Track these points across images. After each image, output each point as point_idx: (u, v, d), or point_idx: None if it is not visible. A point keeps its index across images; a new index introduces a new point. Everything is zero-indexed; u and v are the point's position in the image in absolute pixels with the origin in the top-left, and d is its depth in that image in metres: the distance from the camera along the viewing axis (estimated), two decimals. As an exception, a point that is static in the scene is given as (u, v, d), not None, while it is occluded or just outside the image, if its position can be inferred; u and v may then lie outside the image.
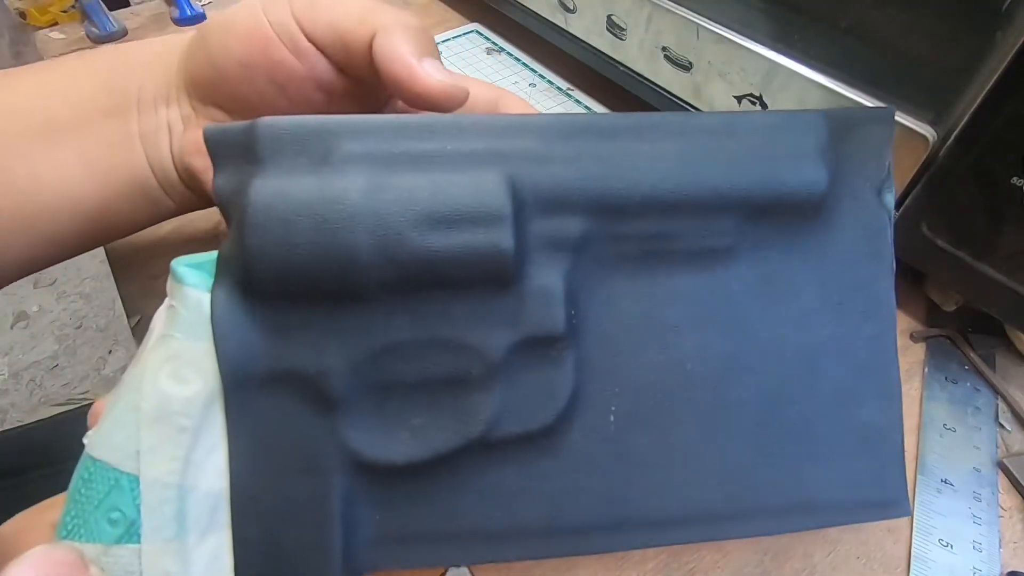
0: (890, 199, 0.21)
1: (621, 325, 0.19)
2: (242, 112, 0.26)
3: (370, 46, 0.22)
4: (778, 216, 0.19)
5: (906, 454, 0.26)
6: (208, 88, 0.25)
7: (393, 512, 0.18)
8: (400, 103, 0.28)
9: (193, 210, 0.29)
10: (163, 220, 0.29)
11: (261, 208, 0.16)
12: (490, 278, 0.17)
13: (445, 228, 0.17)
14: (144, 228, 0.29)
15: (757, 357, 0.19)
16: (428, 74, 0.22)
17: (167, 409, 0.16)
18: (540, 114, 0.20)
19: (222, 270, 0.17)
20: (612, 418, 0.19)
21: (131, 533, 0.16)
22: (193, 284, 0.17)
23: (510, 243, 0.17)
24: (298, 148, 0.17)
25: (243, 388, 0.17)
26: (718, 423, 0.19)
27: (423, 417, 0.18)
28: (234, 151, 0.17)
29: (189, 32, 0.26)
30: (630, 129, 0.19)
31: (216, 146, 0.18)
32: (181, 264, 0.17)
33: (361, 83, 0.25)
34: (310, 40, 0.24)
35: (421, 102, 0.22)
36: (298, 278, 0.16)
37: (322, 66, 0.24)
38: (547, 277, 0.18)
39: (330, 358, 0.17)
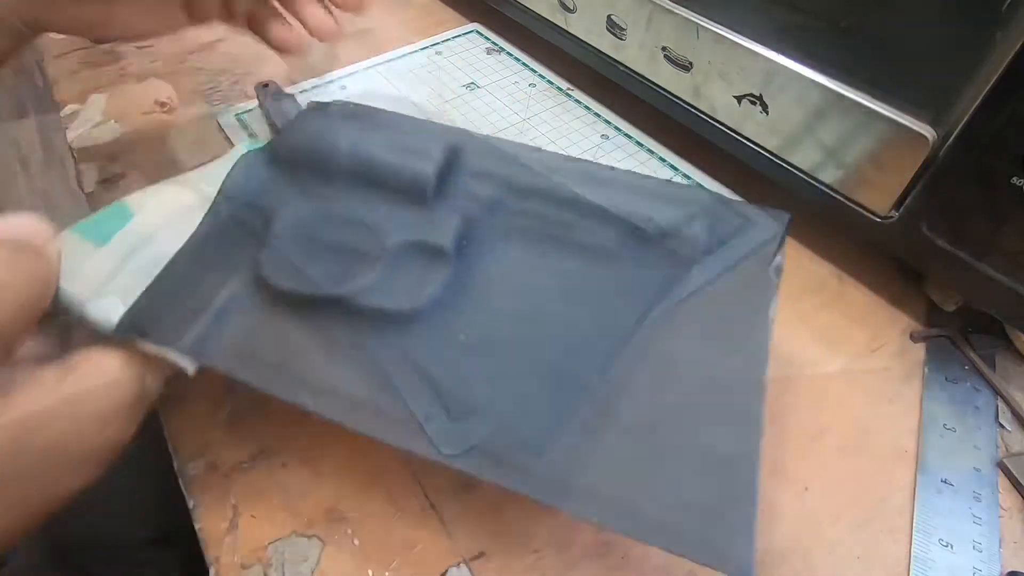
0: (778, 270, 0.23)
1: (501, 276, 0.23)
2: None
3: None
4: (660, 247, 0.23)
5: (906, 454, 0.27)
6: None
7: (260, 330, 0.22)
8: None
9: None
10: None
11: (299, 116, 0.28)
12: (413, 192, 0.25)
13: (397, 152, 0.25)
14: None
15: (613, 344, 0.21)
16: None
17: (187, 178, 0.25)
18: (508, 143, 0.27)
19: (265, 147, 0.27)
20: (463, 336, 0.22)
21: (95, 234, 0.21)
22: (241, 148, 0.27)
23: (430, 172, 0.25)
24: (345, 111, 0.28)
25: (229, 200, 0.24)
26: (557, 383, 0.21)
27: (320, 267, 0.23)
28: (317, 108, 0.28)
29: None
30: (556, 164, 0.26)
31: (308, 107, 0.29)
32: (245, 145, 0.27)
33: None
34: None
35: None
36: (301, 151, 0.26)
37: None
38: (453, 210, 0.25)
39: (287, 205, 0.24)
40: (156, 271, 0.22)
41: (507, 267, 0.23)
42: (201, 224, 0.23)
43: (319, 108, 0.28)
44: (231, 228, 0.24)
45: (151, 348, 0.20)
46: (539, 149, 0.27)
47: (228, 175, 0.25)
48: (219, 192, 0.24)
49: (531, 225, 0.24)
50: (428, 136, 0.26)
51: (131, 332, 0.20)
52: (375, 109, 0.28)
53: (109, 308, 0.20)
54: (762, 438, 0.19)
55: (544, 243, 0.24)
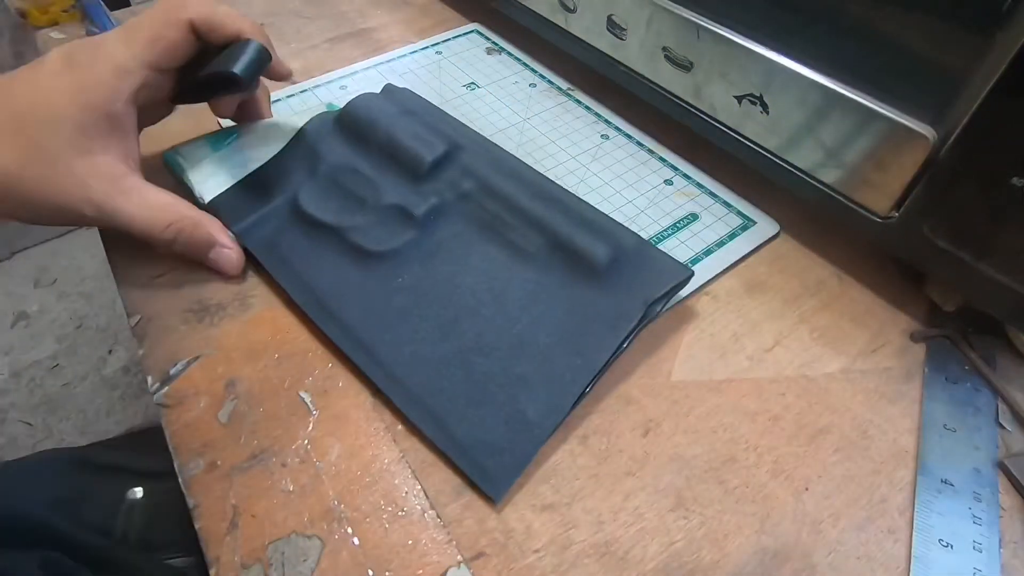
0: (652, 309, 0.28)
1: (451, 246, 0.31)
2: None
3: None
4: (570, 258, 0.30)
5: (906, 454, 0.27)
6: None
7: (283, 234, 0.32)
8: None
9: None
10: None
11: (364, 95, 0.36)
12: (414, 169, 0.33)
13: (412, 138, 0.34)
14: None
15: (498, 314, 0.29)
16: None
17: (286, 120, 0.36)
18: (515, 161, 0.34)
19: (336, 111, 0.36)
20: (400, 279, 0.30)
21: (213, 144, 0.35)
22: (324, 108, 0.37)
23: (428, 160, 0.33)
24: (395, 94, 0.38)
25: (300, 142, 0.35)
26: (446, 332, 0.28)
27: (333, 203, 0.32)
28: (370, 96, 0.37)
29: None
30: (534, 183, 0.33)
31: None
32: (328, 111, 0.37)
33: None
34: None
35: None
36: (355, 120, 0.35)
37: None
38: (434, 191, 0.33)
39: (333, 154, 0.34)
40: (241, 176, 0.33)
41: (454, 241, 0.31)
42: (277, 154, 0.34)
43: (383, 91, 0.38)
44: (293, 160, 0.34)
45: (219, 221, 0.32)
46: (530, 168, 0.34)
47: (306, 123, 0.35)
48: (296, 134, 0.35)
49: (483, 217, 0.32)
50: (442, 131, 0.35)
51: (213, 208, 0.32)
52: (417, 96, 0.38)
53: (207, 191, 0.33)
54: (562, 419, 0.26)
55: (486, 231, 0.31)
